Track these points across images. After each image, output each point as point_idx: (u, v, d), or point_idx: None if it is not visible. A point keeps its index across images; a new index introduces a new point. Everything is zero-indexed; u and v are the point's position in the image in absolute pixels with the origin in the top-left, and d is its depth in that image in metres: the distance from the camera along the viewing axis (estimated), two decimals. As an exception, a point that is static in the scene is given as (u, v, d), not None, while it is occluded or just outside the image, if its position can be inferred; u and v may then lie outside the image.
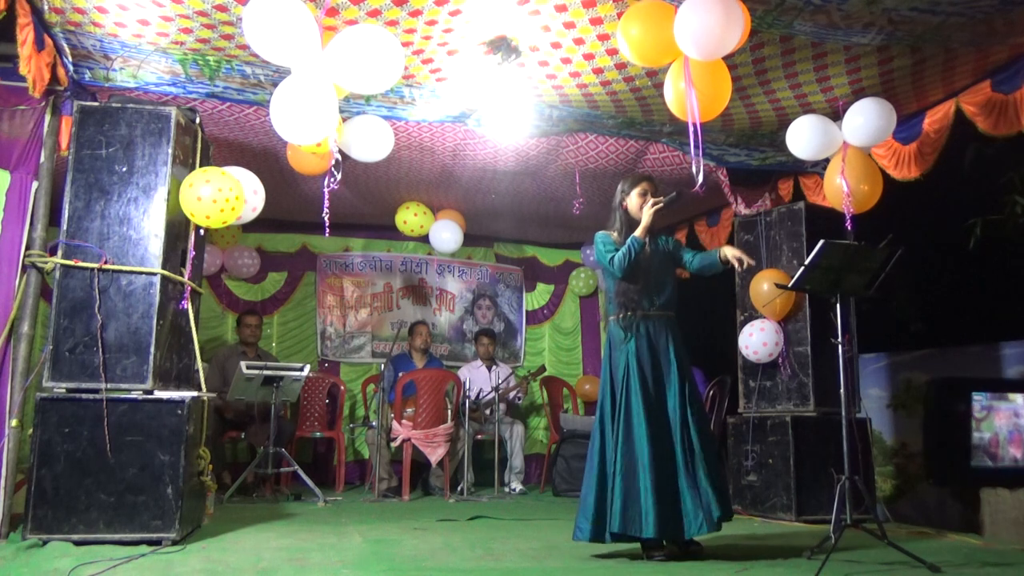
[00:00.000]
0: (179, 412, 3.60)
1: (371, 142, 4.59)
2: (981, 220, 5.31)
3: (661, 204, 3.57)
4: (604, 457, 3.46)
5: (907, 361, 5.82)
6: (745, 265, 3.66)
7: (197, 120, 4.13)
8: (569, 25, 3.69)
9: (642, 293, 3.58)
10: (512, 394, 6.92)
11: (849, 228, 4.37)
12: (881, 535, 3.34)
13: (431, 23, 3.70)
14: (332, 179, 4.03)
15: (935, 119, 4.31)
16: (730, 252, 3.66)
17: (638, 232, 3.57)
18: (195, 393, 3.82)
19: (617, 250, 3.58)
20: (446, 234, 6.76)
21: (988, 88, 3.96)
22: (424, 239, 6.99)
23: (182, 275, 3.98)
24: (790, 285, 3.62)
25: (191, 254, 4.05)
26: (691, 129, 3.45)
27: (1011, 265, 5.50)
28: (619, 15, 3.50)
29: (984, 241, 5.32)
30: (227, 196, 3.90)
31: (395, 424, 6.02)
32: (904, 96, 4.31)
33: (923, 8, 3.39)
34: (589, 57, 3.98)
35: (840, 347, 3.59)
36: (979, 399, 1.51)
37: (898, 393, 5.76)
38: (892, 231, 3.47)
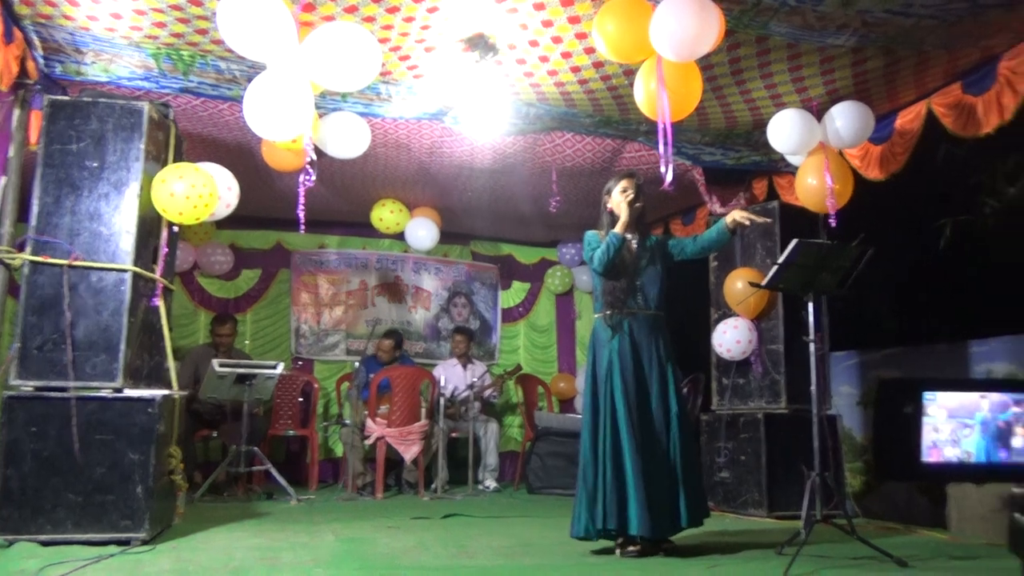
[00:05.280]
0: (150, 410, 3.56)
1: (347, 139, 4.56)
2: (951, 220, 5.38)
3: (632, 195, 3.60)
4: (594, 455, 3.47)
5: (877, 359, 5.90)
6: (758, 223, 3.64)
7: (170, 115, 4.09)
8: (547, 23, 3.69)
9: (628, 292, 3.60)
10: (487, 392, 6.92)
11: (833, 225, 4.41)
12: (850, 530, 3.39)
13: (409, 20, 3.68)
14: (307, 176, 4.00)
15: (907, 120, 4.36)
16: (739, 215, 3.59)
17: (617, 228, 3.59)
18: (166, 391, 3.78)
19: (599, 243, 3.60)
20: (422, 231, 6.74)
21: (959, 90, 4.02)
22: (400, 236, 6.97)
23: (154, 272, 3.93)
24: (763, 283, 3.65)
25: (163, 251, 4.00)
26: (660, 128, 3.47)
27: (980, 265, 5.58)
28: (597, 14, 3.51)
29: (955, 241, 5.40)
30: (200, 192, 3.86)
31: (369, 422, 5.99)
32: (877, 97, 4.36)
33: (896, 10, 3.44)
34: (567, 56, 3.98)
35: (812, 345, 3.63)
36: (930, 398, 1.55)
37: (868, 390, 5.83)
38: (865, 230, 3.51)
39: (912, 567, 3.16)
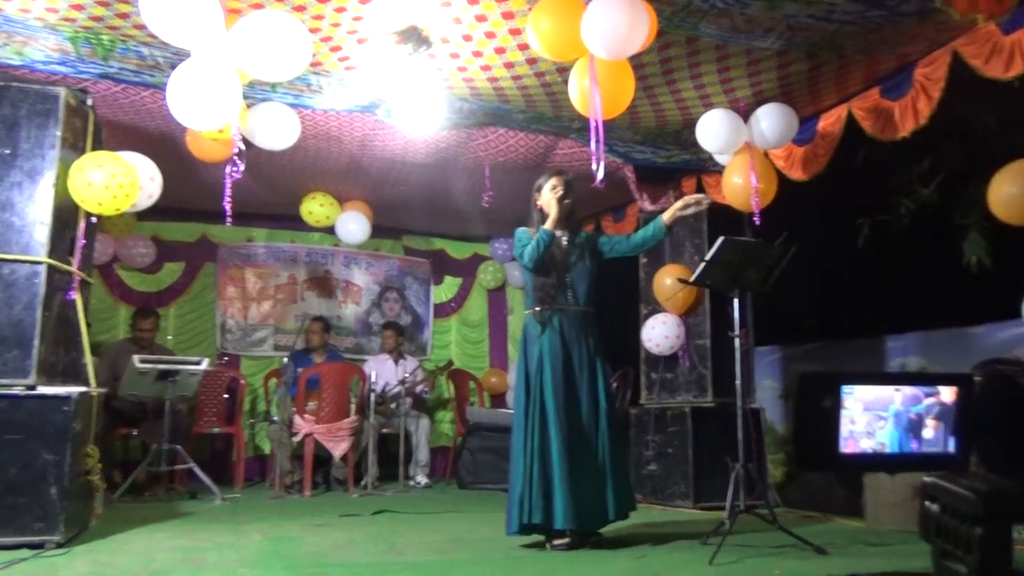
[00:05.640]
0: (65, 408, 3.42)
1: (276, 130, 4.46)
2: (869, 220, 5.58)
3: (561, 193, 3.63)
4: (523, 450, 3.49)
5: (799, 354, 6.08)
6: (703, 204, 3.67)
7: (88, 102, 3.93)
8: (481, 18, 3.68)
9: (558, 287, 3.63)
10: (419, 388, 6.89)
11: (758, 224, 4.53)
12: (772, 520, 3.49)
13: (340, 10, 3.63)
14: (235, 167, 3.91)
15: (829, 122, 4.50)
16: (677, 205, 3.67)
17: (547, 224, 3.62)
18: (83, 388, 3.64)
19: (529, 239, 3.62)
20: (353, 225, 6.66)
21: (877, 95, 4.16)
22: (330, 230, 6.86)
23: (70, 264, 3.78)
24: (691, 280, 3.73)
25: (80, 242, 3.85)
26: (593, 125, 3.51)
27: (896, 263, 5.80)
28: (531, 10, 3.52)
29: (873, 240, 5.60)
30: (120, 182, 3.73)
31: (297, 418, 5.90)
32: (801, 100, 4.49)
33: (820, 16, 3.54)
34: (500, 51, 3.98)
35: (737, 340, 3.72)
36: (848, 391, 1.61)
37: (790, 384, 6.01)
38: (787, 229, 3.61)
39: (830, 554, 3.27)
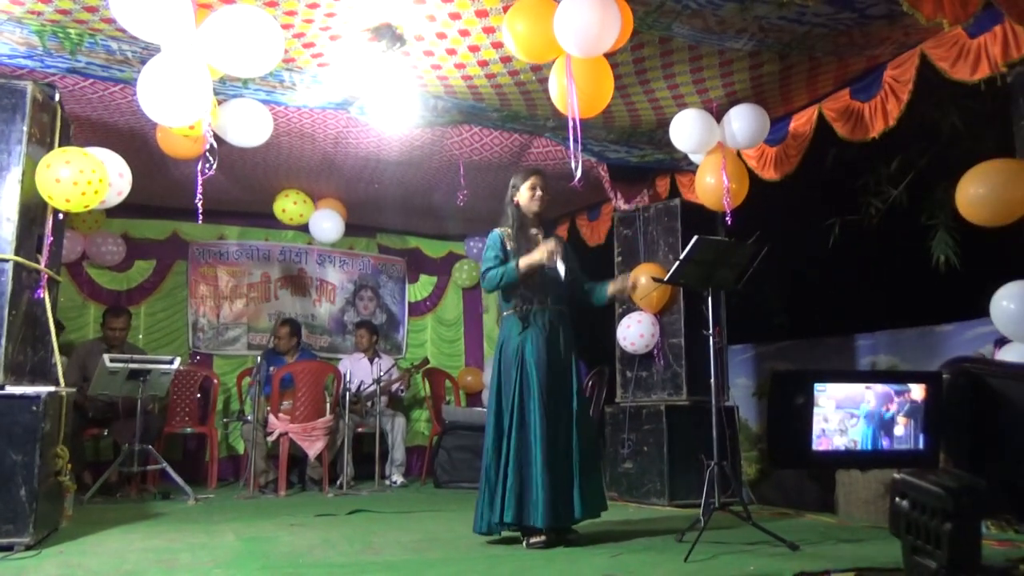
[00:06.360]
0: (34, 408, 3.37)
1: (248, 127, 4.42)
2: (839, 220, 5.65)
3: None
4: (497, 448, 3.50)
5: (771, 352, 6.14)
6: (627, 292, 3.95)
7: (56, 97, 3.87)
8: (455, 16, 3.68)
9: (535, 287, 3.64)
10: (395, 386, 6.86)
11: (730, 223, 4.56)
12: (746, 517, 3.53)
13: (313, 6, 3.60)
14: (206, 164, 3.86)
15: (800, 123, 4.55)
16: (611, 288, 3.84)
17: (521, 263, 3.57)
18: (52, 388, 3.58)
19: (498, 262, 3.63)
20: (327, 223, 6.62)
21: (847, 96, 4.21)
22: (304, 228, 6.81)
23: (38, 262, 3.72)
24: (666, 279, 3.75)
25: (48, 239, 3.79)
26: (571, 124, 3.51)
27: (865, 262, 5.88)
28: (505, 8, 3.52)
29: (843, 240, 5.67)
30: (89, 179, 3.68)
31: (271, 418, 5.85)
32: (772, 100, 4.53)
33: (791, 18, 3.58)
34: (474, 49, 3.97)
35: (711, 338, 3.74)
36: (820, 389, 1.64)
37: (763, 382, 6.07)
38: (759, 229, 3.65)
39: (803, 550, 3.30)
